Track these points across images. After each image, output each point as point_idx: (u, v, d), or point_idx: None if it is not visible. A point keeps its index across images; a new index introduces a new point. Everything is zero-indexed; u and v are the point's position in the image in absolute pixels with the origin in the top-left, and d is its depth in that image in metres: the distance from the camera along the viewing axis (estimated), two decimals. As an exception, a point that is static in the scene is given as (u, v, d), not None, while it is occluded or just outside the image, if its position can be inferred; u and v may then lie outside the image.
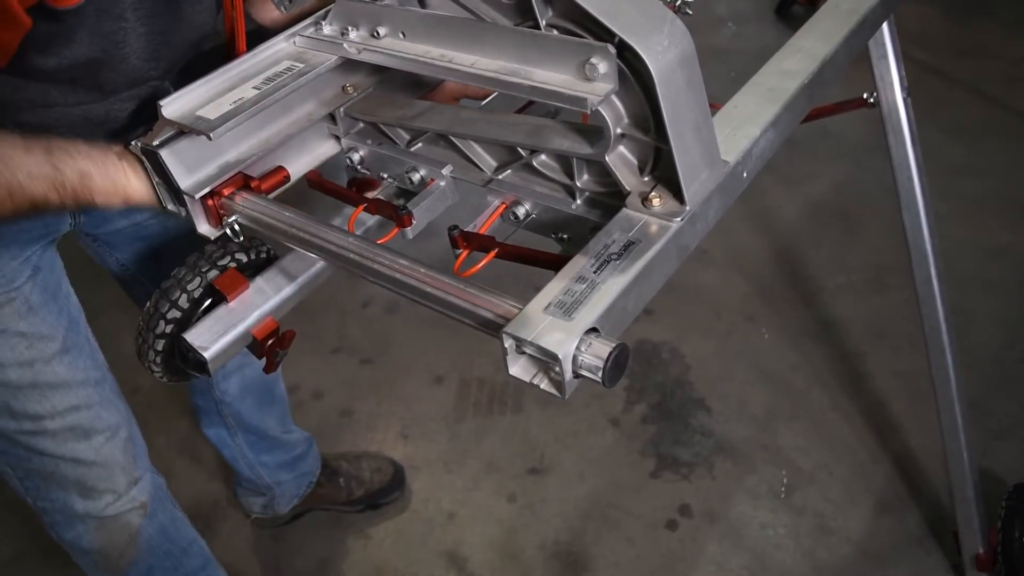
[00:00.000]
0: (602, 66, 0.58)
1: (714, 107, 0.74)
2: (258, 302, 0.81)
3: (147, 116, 1.01)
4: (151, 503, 1.16)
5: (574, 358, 0.52)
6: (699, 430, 1.81)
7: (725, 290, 2.15)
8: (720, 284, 2.16)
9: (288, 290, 0.82)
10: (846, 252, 2.22)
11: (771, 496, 1.67)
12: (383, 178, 0.85)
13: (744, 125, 0.70)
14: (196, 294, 0.80)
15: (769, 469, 1.72)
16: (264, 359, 0.82)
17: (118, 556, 1.15)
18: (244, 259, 0.84)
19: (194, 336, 0.78)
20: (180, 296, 0.79)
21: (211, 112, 0.73)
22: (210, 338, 0.78)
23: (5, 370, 0.99)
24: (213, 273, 0.81)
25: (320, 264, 0.84)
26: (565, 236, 0.73)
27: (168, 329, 0.80)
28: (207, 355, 0.77)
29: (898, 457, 1.71)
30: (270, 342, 0.80)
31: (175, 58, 0.89)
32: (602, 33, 0.59)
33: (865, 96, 1.24)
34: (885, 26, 1.14)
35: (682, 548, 1.60)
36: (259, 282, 0.82)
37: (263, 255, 0.86)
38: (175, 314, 0.79)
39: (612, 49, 0.57)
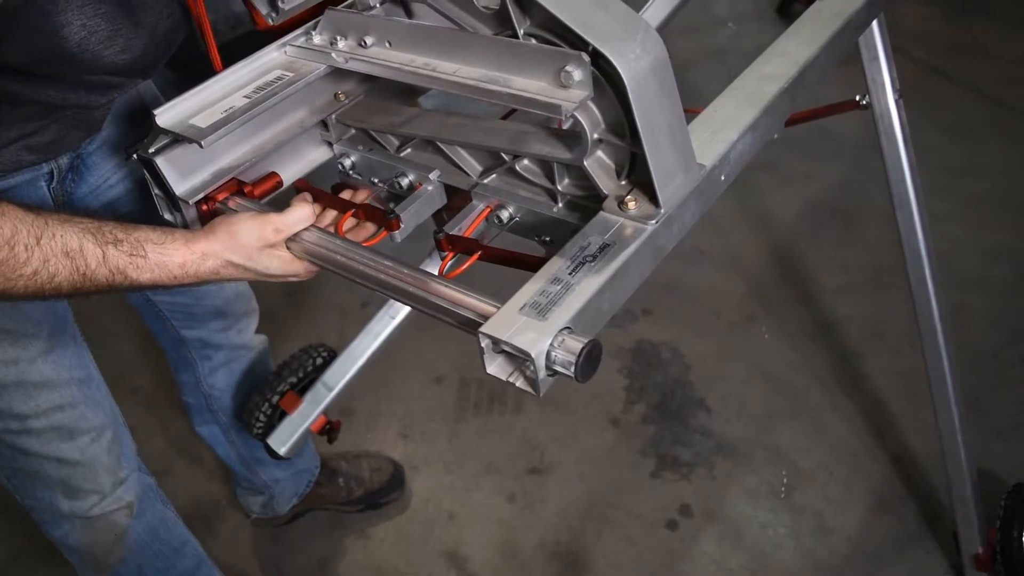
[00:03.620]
0: (577, 74, 0.59)
1: (696, 111, 0.75)
2: (309, 411, 1.37)
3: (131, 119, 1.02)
4: (138, 503, 1.16)
5: (548, 355, 0.54)
6: (699, 430, 1.81)
7: (725, 290, 2.15)
8: (720, 284, 2.17)
9: (328, 398, 1.38)
10: (846, 252, 2.22)
11: (771, 496, 1.67)
12: (374, 183, 0.87)
13: (722, 129, 0.72)
14: (267, 412, 1.36)
15: (769, 469, 1.72)
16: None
17: (105, 555, 1.16)
18: (295, 380, 1.37)
19: (273, 440, 1.36)
20: (256, 417, 1.36)
21: (203, 120, 0.75)
22: (284, 439, 1.36)
23: None
24: (276, 398, 1.35)
25: (357, 368, 1.39)
26: (548, 239, 0.74)
27: (259, 431, 1.37)
28: (282, 452, 1.37)
29: (898, 457, 1.71)
30: (326, 430, 1.44)
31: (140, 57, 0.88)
32: (577, 42, 0.61)
33: (858, 98, 1.25)
34: (875, 27, 1.15)
35: (682, 548, 1.61)
36: (308, 396, 1.36)
37: (315, 364, 1.41)
38: (259, 425, 1.37)
39: (586, 57, 0.59)
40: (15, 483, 1.11)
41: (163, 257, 0.74)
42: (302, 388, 1.39)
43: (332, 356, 1.42)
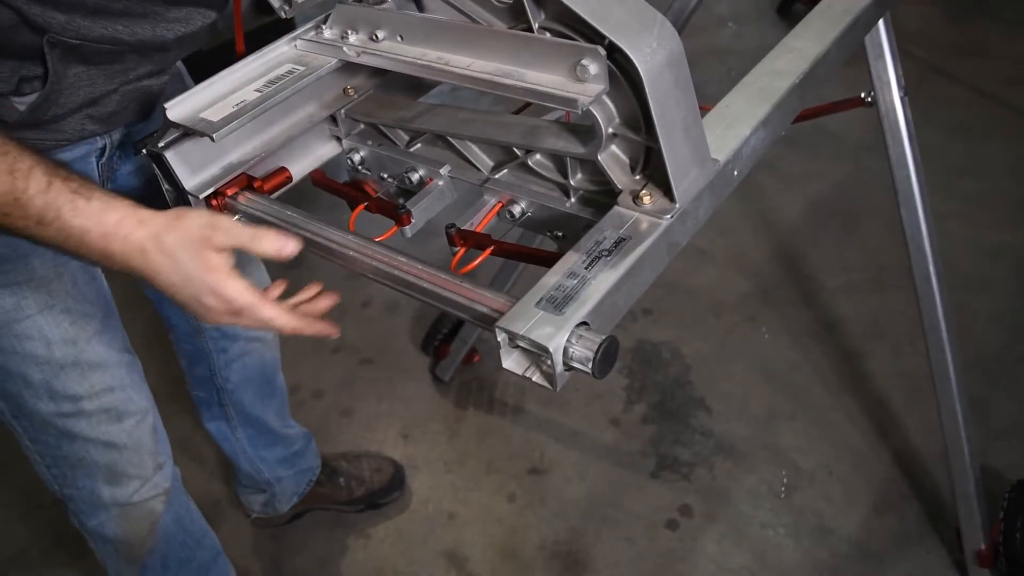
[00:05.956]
0: (592, 67, 0.59)
1: (706, 109, 0.75)
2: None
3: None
4: (170, 491, 1.17)
5: (565, 350, 0.54)
6: (699, 430, 1.81)
7: (725, 290, 2.15)
8: (720, 284, 2.17)
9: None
10: (846, 252, 2.22)
11: (771, 496, 1.67)
12: (383, 178, 0.87)
13: (735, 124, 0.71)
14: None
15: (769, 469, 1.72)
16: None
17: (140, 544, 1.16)
18: None
19: None
20: None
21: (214, 114, 0.74)
22: None
23: (51, 347, 0.98)
24: None
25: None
26: (560, 234, 0.74)
27: None
28: None
29: (899, 456, 1.71)
30: None
31: None
32: (592, 35, 0.60)
33: (863, 95, 1.25)
34: (882, 25, 1.15)
35: (682, 548, 1.61)
36: None
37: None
38: None
39: (602, 51, 0.59)
40: (55, 472, 1.10)
41: (105, 206, 0.69)
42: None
43: None
